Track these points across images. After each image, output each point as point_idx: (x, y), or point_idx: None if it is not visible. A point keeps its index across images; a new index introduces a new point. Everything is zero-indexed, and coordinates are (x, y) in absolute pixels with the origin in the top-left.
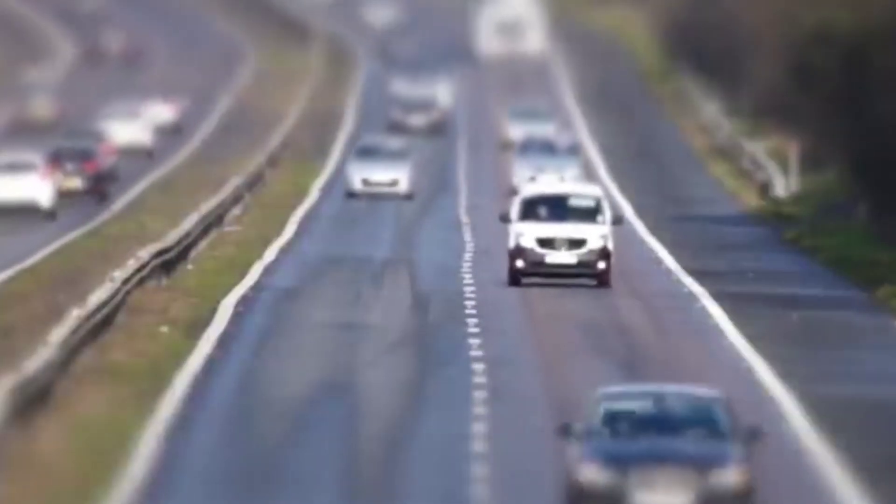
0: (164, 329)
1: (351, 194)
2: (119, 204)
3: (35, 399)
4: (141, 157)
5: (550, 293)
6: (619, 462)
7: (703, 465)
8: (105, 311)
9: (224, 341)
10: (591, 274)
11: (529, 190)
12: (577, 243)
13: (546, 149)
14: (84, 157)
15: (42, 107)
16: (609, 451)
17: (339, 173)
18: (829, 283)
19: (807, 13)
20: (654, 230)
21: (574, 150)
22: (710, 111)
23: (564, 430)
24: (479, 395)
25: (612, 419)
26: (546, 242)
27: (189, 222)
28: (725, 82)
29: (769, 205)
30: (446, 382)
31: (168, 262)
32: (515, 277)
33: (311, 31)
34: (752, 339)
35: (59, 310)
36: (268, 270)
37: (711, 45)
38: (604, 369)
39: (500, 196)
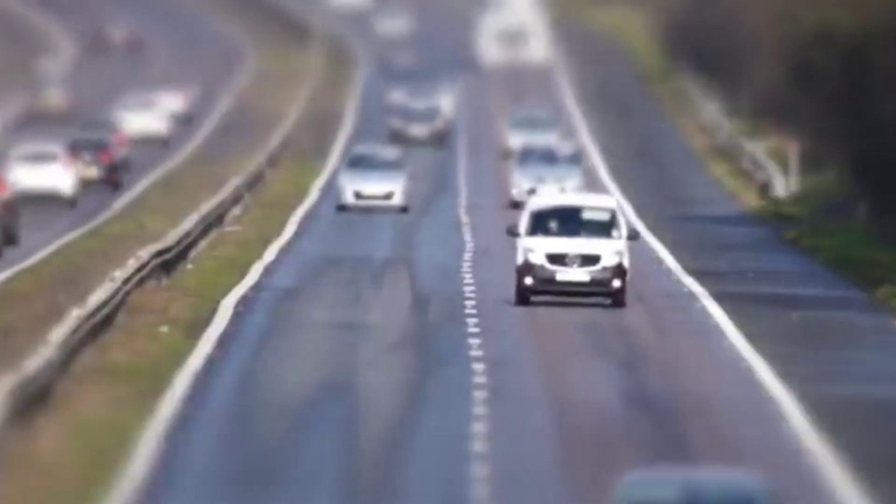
0: (164, 329)
1: (342, 208)
2: (119, 204)
3: (35, 399)
4: (157, 145)
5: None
6: None
7: None
8: (105, 311)
9: (224, 341)
10: (605, 293)
11: (539, 202)
12: (590, 260)
13: (546, 158)
14: (99, 147)
15: (54, 98)
16: None
17: (337, 175)
18: (829, 283)
19: (807, 13)
20: (654, 230)
21: (576, 160)
22: (710, 111)
23: None
24: (479, 395)
25: None
26: (557, 258)
27: (189, 222)
28: (725, 82)
29: (769, 205)
30: (446, 382)
31: (168, 262)
32: (524, 296)
33: (311, 31)
34: (752, 338)
35: (59, 310)
36: (268, 270)
37: (711, 45)
38: (604, 369)
39: (500, 206)
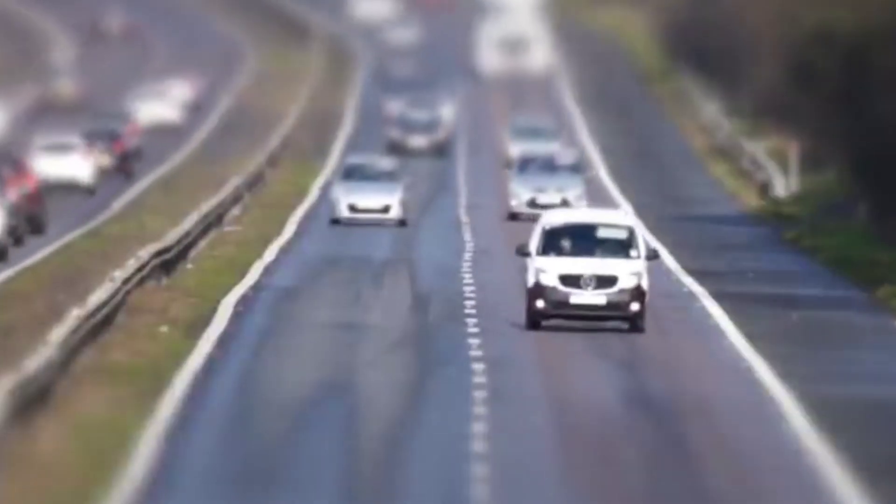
0: (164, 329)
1: (336, 221)
2: (119, 203)
3: (35, 399)
4: (170, 134)
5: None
6: None
7: None
8: (105, 311)
9: (224, 341)
10: (622, 317)
11: (551, 219)
12: (606, 281)
13: (546, 167)
14: (112, 137)
15: (65, 88)
16: None
17: (329, 186)
18: (829, 283)
19: (807, 13)
20: (654, 230)
21: (577, 169)
22: (710, 111)
23: None
24: (479, 395)
25: None
26: (570, 280)
27: (189, 222)
28: (725, 82)
29: (769, 205)
30: (446, 382)
31: (168, 262)
32: (535, 320)
33: (311, 31)
34: (752, 338)
35: (59, 310)
36: (268, 270)
37: (711, 45)
38: (603, 369)
39: (500, 205)
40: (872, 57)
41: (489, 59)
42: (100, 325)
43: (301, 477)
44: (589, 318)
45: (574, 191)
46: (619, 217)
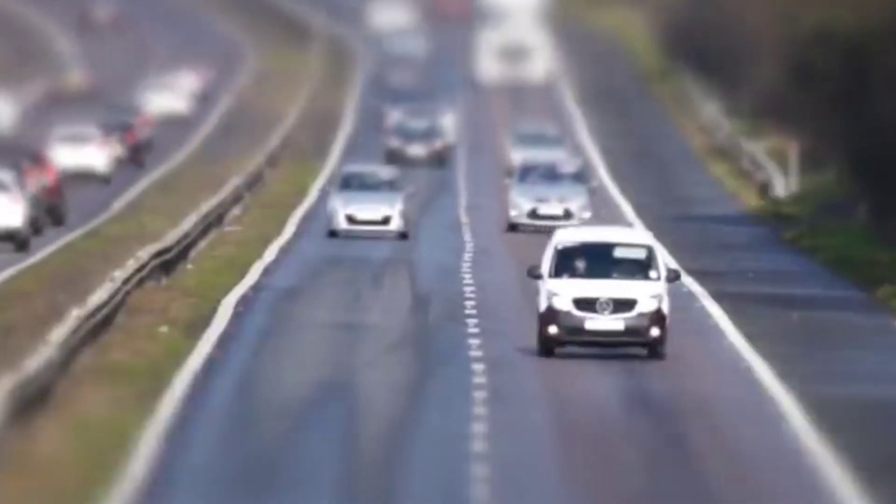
0: (164, 329)
1: (333, 234)
2: (119, 203)
3: (35, 399)
4: (179, 124)
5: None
6: None
7: None
8: (105, 311)
9: (224, 341)
10: (641, 343)
11: (564, 238)
12: (624, 305)
13: (548, 176)
14: (124, 128)
15: (75, 79)
16: None
17: (326, 197)
18: (829, 283)
19: (807, 13)
20: (654, 230)
21: (580, 177)
22: (710, 111)
23: None
24: (479, 395)
25: None
26: (585, 304)
27: (189, 222)
28: (725, 82)
29: (769, 205)
30: (446, 382)
31: (168, 262)
32: (547, 347)
33: (311, 31)
34: (752, 338)
35: (59, 310)
36: (267, 270)
37: (711, 45)
38: (603, 369)
39: (499, 205)
40: (872, 57)
41: (488, 67)
42: (100, 326)
43: (301, 477)
44: (605, 344)
45: (577, 201)
46: (637, 236)
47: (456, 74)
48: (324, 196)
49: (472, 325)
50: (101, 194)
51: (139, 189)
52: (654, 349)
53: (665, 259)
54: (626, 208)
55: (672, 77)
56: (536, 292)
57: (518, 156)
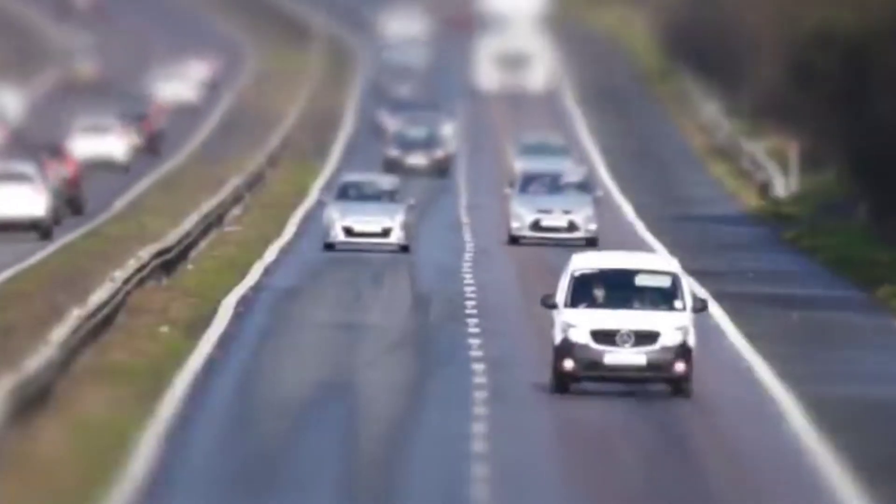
0: (164, 329)
1: (329, 246)
2: (119, 203)
3: (35, 399)
4: (188, 113)
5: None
6: None
7: None
8: (105, 311)
9: (224, 341)
10: (665, 378)
11: (581, 264)
12: (646, 338)
13: (551, 185)
14: (141, 118)
15: (85, 69)
16: None
17: (323, 207)
18: (829, 283)
19: (807, 13)
20: (654, 230)
21: (585, 187)
22: (710, 111)
23: None
24: (479, 395)
25: None
26: (605, 336)
27: (189, 222)
28: (725, 82)
29: (769, 205)
30: (446, 382)
31: (168, 262)
32: (563, 383)
33: (311, 31)
34: (752, 338)
35: (59, 310)
36: (268, 270)
37: (711, 45)
38: None
39: (500, 204)
40: (872, 57)
41: (488, 75)
42: (100, 326)
43: (301, 477)
44: (626, 380)
45: (582, 212)
46: (660, 262)
47: (457, 83)
48: (320, 206)
49: (473, 325)
50: (120, 182)
51: (142, 187)
52: (679, 386)
53: (691, 287)
54: (627, 208)
55: (672, 77)
56: (551, 324)
57: (521, 166)
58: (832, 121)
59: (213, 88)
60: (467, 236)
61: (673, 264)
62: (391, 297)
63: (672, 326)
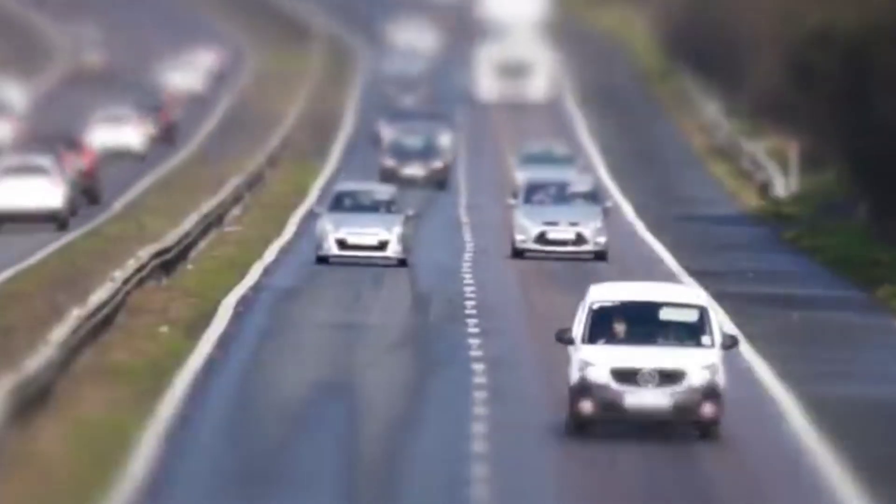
0: (164, 329)
1: (322, 259)
2: (119, 203)
3: (35, 399)
4: (195, 103)
5: (551, 292)
6: None
7: None
8: (105, 311)
9: (224, 341)
10: (692, 421)
11: (600, 296)
12: (671, 377)
13: (558, 196)
14: (157, 108)
15: (93, 60)
16: None
17: (314, 218)
18: (829, 283)
19: (807, 13)
20: (655, 230)
21: (594, 197)
22: (710, 111)
23: None
24: (479, 395)
25: None
26: (626, 375)
27: (189, 222)
28: (725, 82)
29: (769, 205)
30: (446, 382)
31: (168, 262)
32: (580, 424)
33: (311, 31)
34: (752, 338)
35: (59, 310)
36: (267, 270)
37: (711, 45)
38: None
39: (500, 206)
40: (872, 57)
41: (487, 84)
42: (100, 325)
43: (301, 477)
44: (650, 423)
45: (591, 224)
46: (687, 294)
47: (458, 92)
48: (312, 217)
49: (473, 325)
50: (136, 171)
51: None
52: (707, 429)
53: (720, 322)
54: (627, 208)
55: (672, 77)
56: (567, 361)
57: (523, 176)
58: (832, 121)
59: (220, 79)
60: (467, 236)
61: (701, 296)
62: (391, 297)
63: (699, 365)
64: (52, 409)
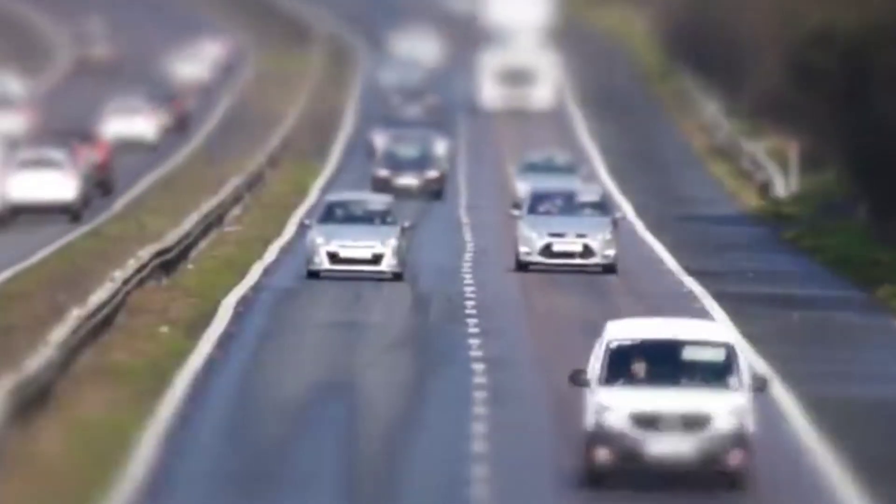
0: (164, 329)
1: (313, 274)
2: (119, 203)
3: (35, 399)
4: (202, 93)
5: (551, 291)
6: None
7: None
8: (105, 311)
9: (224, 341)
10: (718, 471)
11: (619, 333)
12: (696, 422)
13: (564, 206)
14: (170, 98)
15: (100, 51)
16: None
17: (305, 229)
18: (829, 283)
19: (807, 13)
20: (655, 230)
21: (603, 208)
22: (710, 111)
23: None
24: (479, 395)
25: None
26: (646, 420)
27: (189, 222)
28: (725, 82)
29: (769, 205)
30: (446, 382)
31: (168, 262)
32: (597, 475)
33: (311, 31)
34: (752, 338)
35: (59, 310)
36: (268, 270)
37: (711, 45)
38: None
39: (501, 210)
40: (873, 57)
41: (489, 92)
42: (100, 326)
43: (301, 477)
44: (674, 473)
45: (600, 236)
46: (713, 331)
47: (460, 101)
48: (302, 230)
49: (472, 325)
50: (149, 160)
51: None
52: (736, 480)
53: (750, 361)
54: (627, 208)
55: (672, 77)
56: (584, 407)
57: (524, 186)
58: (832, 121)
59: (227, 70)
60: (467, 236)
61: (728, 334)
62: (391, 296)
63: (726, 409)
64: (52, 409)
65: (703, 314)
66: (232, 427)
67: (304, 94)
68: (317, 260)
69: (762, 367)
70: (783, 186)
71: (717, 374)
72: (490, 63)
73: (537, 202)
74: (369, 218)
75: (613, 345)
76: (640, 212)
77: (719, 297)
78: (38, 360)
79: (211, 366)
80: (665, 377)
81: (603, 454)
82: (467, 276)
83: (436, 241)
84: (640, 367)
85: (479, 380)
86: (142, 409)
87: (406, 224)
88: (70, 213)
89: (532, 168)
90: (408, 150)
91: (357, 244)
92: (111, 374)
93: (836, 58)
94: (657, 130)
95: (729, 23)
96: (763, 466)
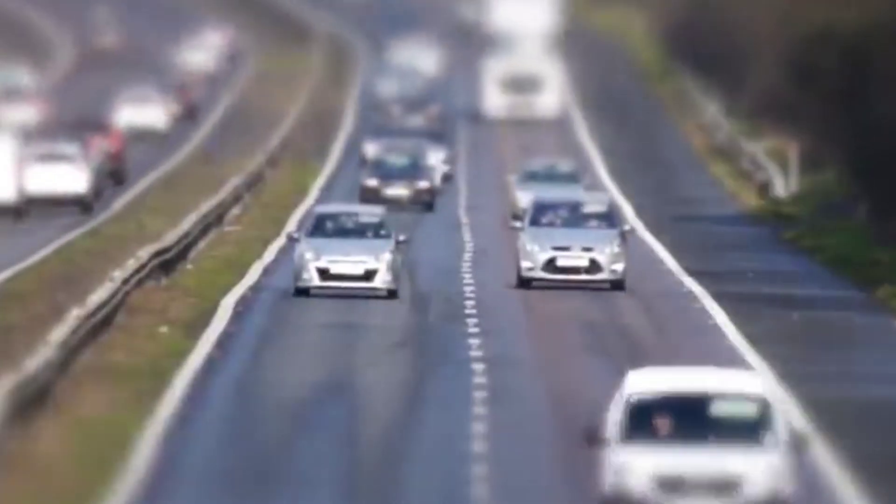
0: (164, 329)
1: (302, 291)
2: (119, 203)
3: (35, 399)
4: (208, 82)
5: (550, 292)
6: None
7: None
8: (105, 311)
9: (223, 341)
10: None
11: (641, 385)
12: (724, 486)
13: (569, 217)
14: (179, 87)
15: (108, 40)
16: None
17: (293, 244)
18: (829, 283)
19: (807, 13)
20: (654, 230)
21: (610, 219)
22: (710, 111)
23: None
24: (479, 395)
25: None
26: (672, 484)
27: (189, 222)
28: (725, 82)
29: (769, 205)
30: (446, 382)
31: (168, 262)
32: None
33: (311, 31)
34: (752, 339)
35: (59, 310)
36: (267, 270)
37: (711, 45)
38: (603, 369)
39: (501, 213)
40: (873, 57)
41: (494, 100)
42: (100, 325)
43: (301, 477)
44: None
45: (607, 249)
46: (745, 382)
47: (463, 109)
48: (290, 243)
49: (472, 325)
50: (160, 149)
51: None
52: None
53: (787, 416)
54: (628, 209)
55: (672, 77)
56: (599, 464)
57: (525, 196)
58: (832, 121)
59: (231, 60)
60: (467, 236)
61: (762, 385)
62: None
63: (759, 470)
64: (52, 409)
65: (703, 314)
66: (232, 427)
67: (304, 94)
68: (306, 276)
69: (762, 366)
70: (783, 186)
71: (749, 431)
72: (494, 70)
73: (540, 213)
74: (362, 231)
75: (634, 399)
76: (640, 212)
77: (719, 298)
78: (37, 359)
79: (210, 366)
80: (691, 435)
81: None
82: (467, 275)
83: (436, 240)
84: (663, 424)
85: (479, 380)
86: (141, 409)
87: (401, 238)
88: (82, 205)
89: (533, 177)
90: (398, 160)
91: (349, 259)
92: (110, 373)
93: (835, 57)
94: (657, 130)
95: (728, 23)
96: None
